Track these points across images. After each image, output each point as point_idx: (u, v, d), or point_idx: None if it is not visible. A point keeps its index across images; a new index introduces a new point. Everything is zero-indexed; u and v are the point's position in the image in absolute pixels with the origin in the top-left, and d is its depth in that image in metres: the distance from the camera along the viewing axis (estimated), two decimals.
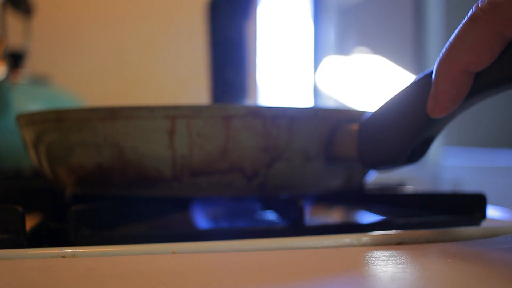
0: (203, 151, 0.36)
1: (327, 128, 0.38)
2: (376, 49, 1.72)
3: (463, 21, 0.29)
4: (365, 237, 0.32)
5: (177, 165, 0.36)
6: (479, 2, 0.28)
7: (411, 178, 0.70)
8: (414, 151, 0.37)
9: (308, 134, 0.38)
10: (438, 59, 0.30)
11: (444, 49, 0.30)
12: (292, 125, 0.37)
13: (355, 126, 0.38)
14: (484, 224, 0.38)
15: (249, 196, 0.39)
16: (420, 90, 0.34)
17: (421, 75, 0.34)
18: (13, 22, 0.79)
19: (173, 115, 0.36)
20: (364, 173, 0.44)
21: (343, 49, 1.77)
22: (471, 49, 0.28)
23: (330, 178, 0.40)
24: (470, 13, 0.28)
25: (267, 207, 0.40)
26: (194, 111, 0.36)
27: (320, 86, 1.76)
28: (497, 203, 0.48)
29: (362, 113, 0.39)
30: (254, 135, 0.36)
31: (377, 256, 0.29)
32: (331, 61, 1.76)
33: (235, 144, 0.36)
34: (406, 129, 0.35)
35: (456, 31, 0.29)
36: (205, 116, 0.36)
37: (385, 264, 0.27)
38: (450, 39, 0.29)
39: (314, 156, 0.38)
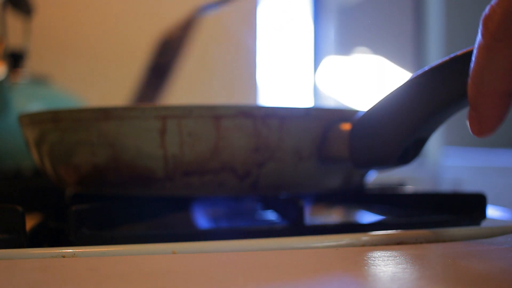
0: (194, 150, 0.36)
1: (319, 127, 0.38)
2: (376, 49, 1.71)
3: (479, 48, 0.28)
4: (365, 237, 0.32)
5: (169, 165, 0.37)
6: (487, 24, 0.27)
7: (411, 178, 0.70)
8: (407, 152, 0.37)
9: (300, 134, 0.38)
10: (470, 86, 0.29)
11: (472, 77, 0.29)
12: (283, 124, 0.37)
13: (347, 126, 0.38)
14: (484, 224, 0.38)
15: (243, 195, 0.39)
16: (413, 90, 0.34)
17: (414, 75, 0.34)
18: (13, 22, 0.79)
19: (163, 115, 0.36)
20: (362, 173, 0.44)
21: (343, 49, 1.77)
22: (501, 76, 0.27)
23: (325, 178, 0.41)
24: (483, 39, 0.27)
25: (267, 207, 0.40)
26: (184, 111, 0.36)
27: (320, 86, 1.76)
28: (497, 203, 0.48)
29: (355, 112, 0.39)
30: (244, 135, 0.36)
31: (377, 256, 0.29)
32: (331, 61, 1.76)
33: (225, 144, 0.36)
34: (398, 129, 0.35)
35: (476, 58, 0.28)
36: (195, 116, 0.36)
37: (385, 264, 0.27)
38: (474, 67, 0.28)
39: (307, 156, 0.38)
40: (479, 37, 0.28)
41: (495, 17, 0.26)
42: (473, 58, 0.28)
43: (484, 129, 0.30)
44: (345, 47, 1.78)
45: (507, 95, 0.28)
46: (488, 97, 0.28)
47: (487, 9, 0.27)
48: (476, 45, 0.28)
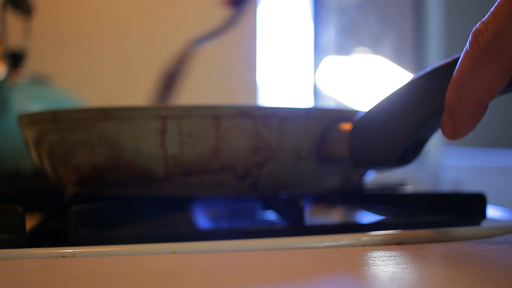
0: (194, 151, 0.36)
1: (319, 128, 0.38)
2: (376, 49, 1.71)
3: (465, 58, 0.29)
4: (365, 237, 0.32)
5: (169, 165, 0.37)
6: (477, 38, 0.28)
7: (411, 178, 0.70)
8: (406, 153, 0.37)
9: (300, 134, 0.38)
10: (450, 92, 0.30)
11: (453, 84, 0.30)
12: (283, 125, 0.37)
13: (347, 126, 0.38)
14: (484, 224, 0.38)
15: (242, 195, 0.39)
16: (413, 91, 0.34)
17: (416, 76, 0.34)
18: (13, 22, 0.79)
19: (164, 115, 0.36)
20: (361, 173, 0.44)
21: (343, 49, 1.77)
22: (484, 87, 0.29)
23: (324, 178, 0.41)
24: (471, 50, 0.28)
25: (267, 207, 0.40)
26: (184, 111, 0.36)
27: (320, 86, 1.76)
28: (497, 203, 0.48)
29: (355, 112, 0.39)
30: (244, 135, 0.36)
31: (377, 256, 0.29)
32: (331, 61, 1.76)
33: (225, 144, 0.36)
34: (398, 130, 0.35)
35: (461, 68, 0.29)
36: (195, 116, 0.36)
37: (385, 264, 0.27)
38: (458, 76, 0.29)
39: (306, 156, 0.38)
40: (467, 47, 0.29)
41: (486, 34, 0.28)
42: (458, 67, 0.30)
43: (457, 134, 0.32)
44: (345, 47, 1.78)
45: (484, 105, 0.30)
46: (467, 105, 0.30)
47: (478, 24, 0.28)
48: (462, 55, 0.29)
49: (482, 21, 0.28)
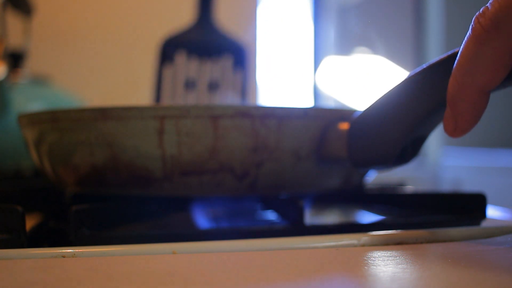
0: (192, 151, 0.36)
1: (318, 127, 0.38)
2: (376, 49, 1.71)
3: (467, 41, 0.28)
4: (365, 237, 0.32)
5: (167, 165, 0.37)
6: (479, 19, 0.27)
7: (411, 178, 0.70)
8: (405, 151, 0.36)
9: (298, 134, 0.38)
10: (451, 82, 0.30)
11: (455, 72, 0.29)
12: (281, 125, 0.37)
13: (345, 125, 0.38)
14: (484, 224, 0.38)
15: (241, 196, 0.39)
16: (411, 88, 0.34)
17: (412, 73, 0.34)
18: (13, 22, 0.79)
19: (162, 115, 0.36)
20: (361, 173, 0.44)
21: (343, 49, 1.77)
22: (486, 70, 0.28)
23: (324, 178, 0.40)
24: (472, 32, 0.28)
25: (267, 207, 0.40)
26: (182, 111, 0.36)
27: (320, 86, 1.76)
28: (497, 203, 0.48)
29: (353, 112, 0.38)
30: (242, 135, 0.36)
31: (377, 256, 0.29)
32: (331, 61, 1.76)
33: (223, 144, 0.36)
34: (396, 128, 0.35)
35: (463, 52, 0.29)
36: (193, 116, 0.36)
37: (385, 264, 0.27)
38: (459, 61, 0.29)
39: (305, 156, 0.38)
40: (469, 32, 0.28)
41: (487, 13, 0.27)
42: (459, 54, 0.29)
43: (459, 129, 0.30)
44: (345, 47, 1.78)
45: (486, 93, 0.29)
46: (469, 93, 0.29)
47: (481, 10, 0.28)
48: (464, 42, 0.29)
49: (485, 6, 0.27)
